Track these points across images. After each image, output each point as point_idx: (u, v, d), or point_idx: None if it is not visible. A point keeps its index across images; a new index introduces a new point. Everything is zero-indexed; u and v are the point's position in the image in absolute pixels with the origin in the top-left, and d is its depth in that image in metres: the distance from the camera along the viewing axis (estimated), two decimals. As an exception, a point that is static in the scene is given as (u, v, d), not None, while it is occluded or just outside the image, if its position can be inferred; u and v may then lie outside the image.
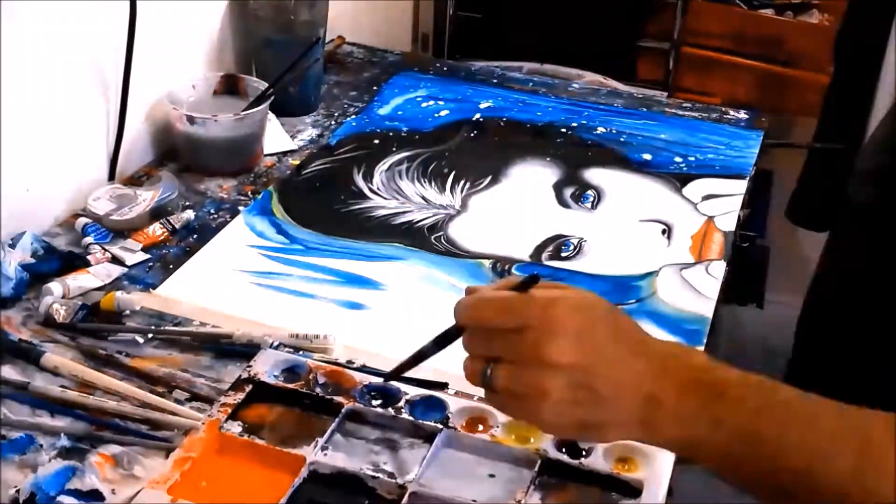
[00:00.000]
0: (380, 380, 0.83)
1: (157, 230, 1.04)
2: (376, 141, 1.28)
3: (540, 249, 1.06)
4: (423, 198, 1.15)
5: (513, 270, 1.02)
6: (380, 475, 0.74)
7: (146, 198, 1.07)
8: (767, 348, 1.17)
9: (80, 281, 0.95)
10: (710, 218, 1.14)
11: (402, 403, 0.81)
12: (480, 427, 0.79)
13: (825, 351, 1.02)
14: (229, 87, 1.23)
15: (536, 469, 0.75)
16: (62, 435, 0.78)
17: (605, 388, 0.63)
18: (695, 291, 1.00)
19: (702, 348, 0.90)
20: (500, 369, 0.63)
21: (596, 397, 0.63)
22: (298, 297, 0.97)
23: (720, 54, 1.94)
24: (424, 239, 1.07)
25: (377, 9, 1.79)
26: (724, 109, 1.42)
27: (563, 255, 1.06)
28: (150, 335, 0.89)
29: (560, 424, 0.65)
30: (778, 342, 1.15)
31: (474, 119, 1.35)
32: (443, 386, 0.85)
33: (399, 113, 1.35)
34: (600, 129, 1.33)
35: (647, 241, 1.09)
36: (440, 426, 0.79)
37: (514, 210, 1.14)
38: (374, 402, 0.81)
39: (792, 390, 0.65)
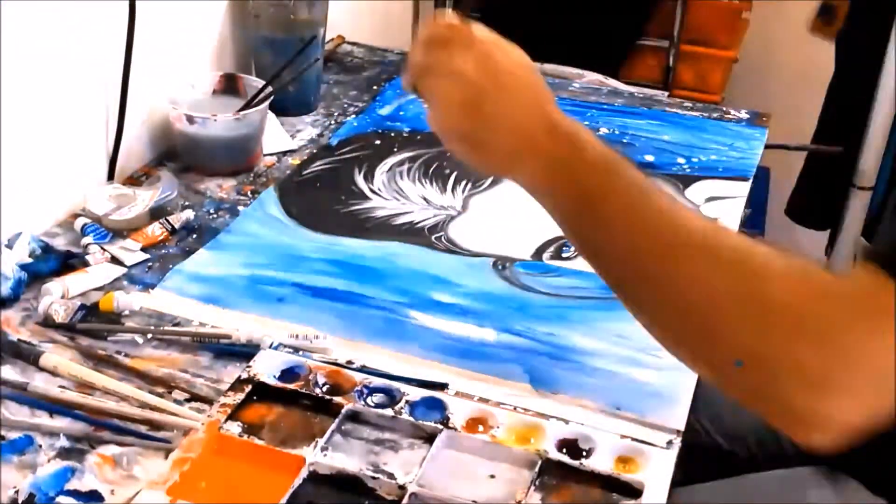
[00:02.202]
0: (380, 380, 0.83)
1: (156, 230, 1.04)
2: (377, 141, 1.28)
3: (541, 250, 1.06)
4: (424, 198, 1.15)
5: (515, 267, 1.02)
6: (380, 476, 0.74)
7: (145, 198, 1.07)
8: None
9: (79, 281, 0.95)
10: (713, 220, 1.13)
11: (401, 404, 0.81)
12: (481, 428, 0.79)
13: None
14: (229, 86, 1.23)
15: (537, 469, 0.75)
16: (61, 435, 0.78)
17: (492, 109, 0.74)
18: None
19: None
20: (423, 75, 0.77)
21: (482, 115, 0.74)
22: (298, 296, 0.96)
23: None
24: (425, 239, 1.07)
25: (377, 8, 1.79)
26: (724, 109, 1.42)
27: (565, 255, 1.05)
28: (149, 335, 0.89)
29: (446, 128, 0.77)
30: None
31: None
32: (443, 386, 0.84)
33: (401, 113, 1.35)
34: (603, 130, 1.32)
35: None
36: (440, 427, 0.79)
37: (515, 211, 1.14)
38: (374, 403, 0.81)
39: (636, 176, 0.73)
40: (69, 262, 0.97)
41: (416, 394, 0.82)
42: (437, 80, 0.76)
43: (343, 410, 0.80)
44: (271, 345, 0.88)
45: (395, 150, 1.25)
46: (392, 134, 1.30)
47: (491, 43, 0.76)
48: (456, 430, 0.79)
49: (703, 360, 0.70)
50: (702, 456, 1.09)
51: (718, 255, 0.68)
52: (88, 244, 1.01)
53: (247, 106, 1.18)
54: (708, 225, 0.70)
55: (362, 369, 0.86)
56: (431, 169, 1.21)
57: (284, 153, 1.24)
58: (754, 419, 1.04)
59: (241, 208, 1.11)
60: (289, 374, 0.84)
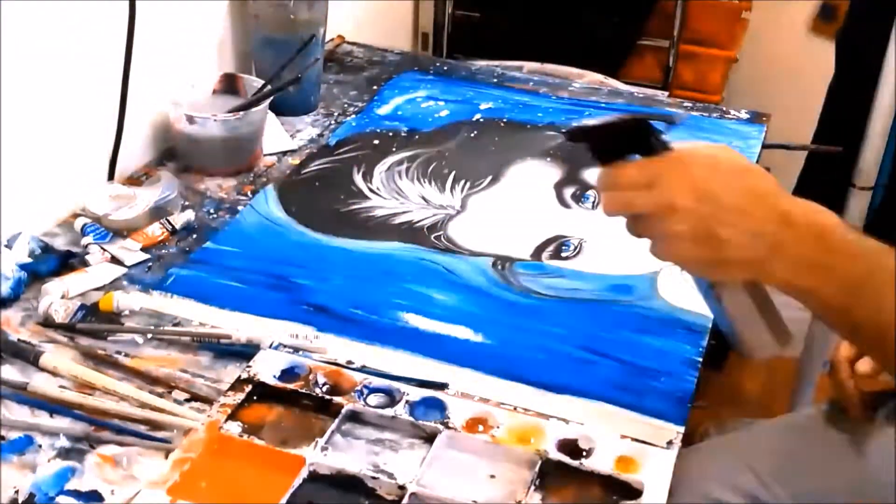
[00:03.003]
0: (380, 380, 0.83)
1: (156, 230, 1.04)
2: (376, 141, 1.28)
3: (540, 249, 1.06)
4: (423, 198, 1.15)
5: (514, 267, 1.02)
6: (380, 476, 0.74)
7: (145, 198, 1.07)
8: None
9: (79, 281, 0.95)
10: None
11: (401, 404, 0.81)
12: (481, 428, 0.79)
13: None
14: (229, 86, 1.23)
15: (537, 470, 0.75)
16: (61, 435, 0.78)
17: (725, 232, 0.70)
18: (696, 292, 0.99)
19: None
20: (637, 221, 0.74)
21: (717, 240, 0.71)
22: (298, 296, 0.96)
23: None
24: (424, 239, 1.07)
25: (377, 8, 1.79)
26: (724, 108, 1.42)
27: (564, 255, 1.05)
28: (149, 335, 0.89)
29: (688, 260, 0.74)
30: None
31: (474, 119, 1.35)
32: (442, 386, 0.84)
33: (399, 113, 1.35)
34: (601, 129, 1.32)
35: (648, 242, 1.08)
36: (440, 427, 0.79)
37: (514, 210, 1.14)
38: (374, 403, 0.81)
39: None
40: (69, 262, 0.97)
41: (416, 394, 0.82)
42: (658, 223, 0.73)
43: (343, 410, 0.80)
44: (271, 345, 0.88)
45: (394, 149, 1.25)
46: (391, 133, 1.30)
47: (693, 160, 0.74)
48: (456, 430, 0.79)
49: None
50: None
51: None
52: (88, 244, 1.01)
53: (247, 106, 1.18)
54: None
55: (362, 369, 0.86)
56: (430, 168, 1.21)
57: (284, 153, 1.24)
58: None
59: (240, 208, 1.11)
60: (289, 374, 0.84)
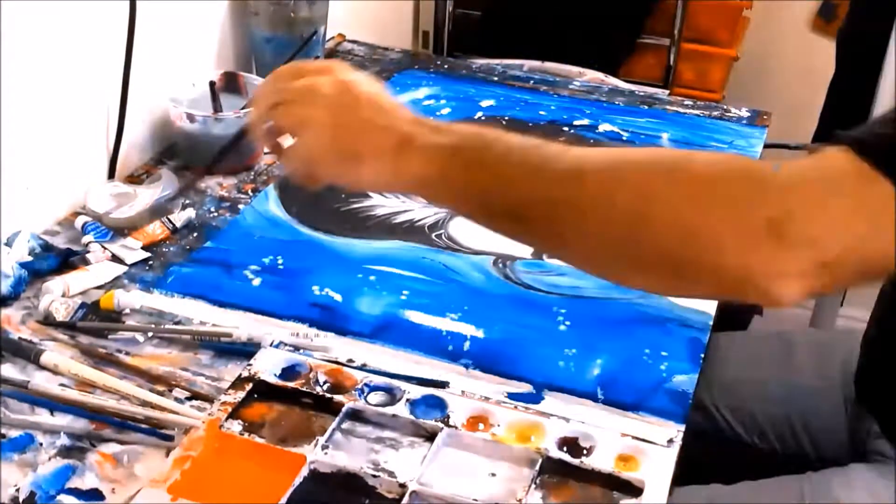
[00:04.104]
0: (380, 378, 0.83)
1: (156, 228, 1.04)
2: (377, 139, 1.27)
3: (541, 248, 1.06)
4: (424, 196, 1.15)
5: (515, 265, 1.02)
6: (380, 474, 0.74)
7: (146, 196, 1.07)
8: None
9: (79, 279, 0.95)
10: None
11: (402, 402, 0.81)
12: (481, 426, 0.79)
13: None
14: (229, 84, 1.23)
15: (537, 468, 0.75)
16: (62, 433, 0.78)
17: (361, 122, 0.74)
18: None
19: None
20: (279, 108, 0.77)
21: (352, 128, 0.74)
22: (298, 295, 0.96)
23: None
24: (425, 237, 1.07)
25: (378, 6, 1.79)
26: (725, 107, 1.42)
27: (565, 253, 1.05)
28: (149, 334, 0.89)
29: (321, 151, 0.76)
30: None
31: (476, 118, 1.35)
32: (443, 385, 0.84)
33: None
34: (602, 128, 1.32)
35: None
36: (441, 425, 0.79)
37: (515, 208, 1.14)
38: (375, 401, 0.81)
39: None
40: (70, 261, 0.97)
41: (416, 392, 0.82)
42: (301, 108, 0.76)
43: (344, 409, 0.80)
44: (272, 343, 0.88)
45: (396, 148, 1.25)
46: (392, 132, 1.29)
47: (338, 69, 0.78)
48: (456, 428, 0.79)
49: (642, 265, 0.68)
50: (720, 446, 1.10)
51: (647, 159, 0.70)
52: (89, 242, 1.01)
53: (247, 104, 1.18)
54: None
55: (363, 367, 0.86)
56: (432, 167, 1.21)
57: (285, 151, 1.23)
58: (777, 411, 1.05)
59: (241, 206, 1.11)
60: (289, 372, 0.84)
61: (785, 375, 1.12)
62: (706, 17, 1.95)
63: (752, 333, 1.24)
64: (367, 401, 0.81)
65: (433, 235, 1.08)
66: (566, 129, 1.32)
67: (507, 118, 1.35)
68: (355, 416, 0.80)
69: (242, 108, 1.16)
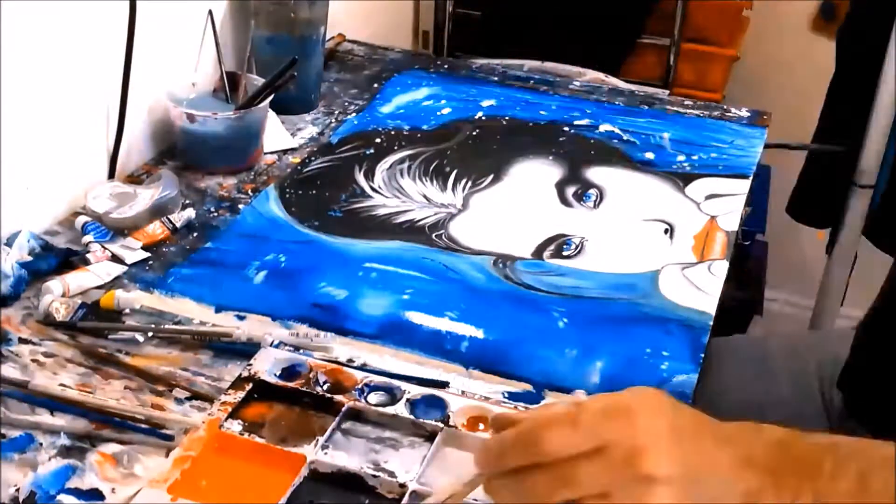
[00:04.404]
0: (380, 378, 0.83)
1: (157, 228, 1.04)
2: (378, 139, 1.27)
3: (542, 248, 1.06)
4: (425, 196, 1.15)
5: (516, 265, 1.02)
6: (380, 474, 0.74)
7: (146, 196, 1.07)
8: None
9: (79, 279, 0.95)
10: (713, 217, 1.13)
11: (402, 402, 0.81)
12: (481, 426, 0.79)
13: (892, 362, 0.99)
14: (229, 84, 1.23)
15: (538, 468, 0.75)
16: (62, 433, 0.78)
17: (705, 492, 0.57)
18: (697, 290, 1.00)
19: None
20: None
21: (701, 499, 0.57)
22: (298, 294, 0.96)
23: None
24: (425, 237, 1.07)
25: (378, 6, 1.79)
26: (725, 107, 1.42)
27: (565, 253, 1.05)
28: (150, 333, 0.89)
29: None
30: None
31: (476, 118, 1.34)
32: (443, 384, 0.84)
33: (401, 111, 1.35)
34: (603, 128, 1.32)
35: (649, 241, 1.08)
36: (441, 425, 0.79)
37: (515, 209, 1.14)
38: (375, 401, 0.81)
39: (882, 445, 0.60)
40: (70, 261, 0.97)
41: (416, 392, 0.82)
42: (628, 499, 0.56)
43: (344, 409, 0.80)
44: (272, 343, 0.88)
45: (396, 148, 1.25)
46: (392, 132, 1.29)
47: (644, 411, 0.58)
48: (456, 428, 0.79)
49: None
50: None
51: None
52: (89, 242, 1.01)
53: (247, 104, 1.18)
54: None
55: (363, 367, 0.86)
56: (432, 167, 1.21)
57: (285, 151, 1.24)
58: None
59: (241, 206, 1.11)
60: (289, 372, 0.84)
61: (762, 385, 1.12)
62: (706, 17, 1.95)
63: (731, 342, 1.24)
64: (367, 401, 0.81)
65: (433, 235, 1.08)
66: (566, 129, 1.32)
67: (507, 118, 1.35)
68: (355, 415, 0.80)
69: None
